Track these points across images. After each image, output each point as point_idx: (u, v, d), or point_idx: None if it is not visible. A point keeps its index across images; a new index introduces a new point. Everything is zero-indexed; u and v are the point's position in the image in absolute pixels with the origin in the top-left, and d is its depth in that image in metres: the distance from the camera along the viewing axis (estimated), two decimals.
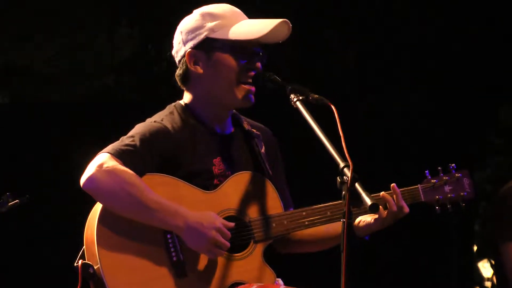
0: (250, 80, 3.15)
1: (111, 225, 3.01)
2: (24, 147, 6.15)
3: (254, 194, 3.18)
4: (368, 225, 3.22)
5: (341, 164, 2.66)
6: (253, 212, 3.17)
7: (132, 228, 3.02)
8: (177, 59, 3.25)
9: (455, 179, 3.37)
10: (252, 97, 3.17)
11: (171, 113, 3.21)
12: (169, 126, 3.13)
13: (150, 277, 3.01)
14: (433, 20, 6.41)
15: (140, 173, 3.03)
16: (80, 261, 3.03)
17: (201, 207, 3.07)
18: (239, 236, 3.12)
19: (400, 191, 3.21)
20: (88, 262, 3.02)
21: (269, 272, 3.16)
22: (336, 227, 3.24)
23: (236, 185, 3.16)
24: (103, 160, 3.00)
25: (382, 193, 3.17)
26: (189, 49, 3.18)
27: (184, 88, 3.27)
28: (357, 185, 2.61)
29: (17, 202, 4.02)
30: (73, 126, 6.23)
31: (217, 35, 3.15)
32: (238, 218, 3.14)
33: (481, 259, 7.68)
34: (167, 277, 3.03)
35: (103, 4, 6.46)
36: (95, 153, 3.07)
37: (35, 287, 5.99)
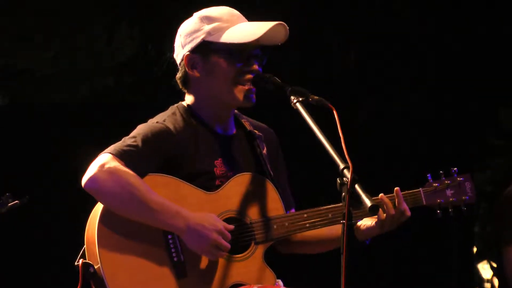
0: (249, 82, 3.15)
1: (112, 225, 3.02)
2: (24, 147, 6.16)
3: (256, 195, 3.18)
4: (369, 228, 3.22)
5: (341, 166, 2.66)
6: (254, 214, 3.17)
7: (133, 228, 3.02)
8: (177, 62, 3.25)
9: (457, 183, 3.37)
10: (253, 96, 3.17)
11: (174, 114, 3.21)
12: (171, 127, 3.13)
13: (151, 277, 3.01)
14: (433, 21, 6.41)
15: (142, 173, 3.03)
16: (80, 261, 3.03)
17: (202, 208, 3.07)
18: (240, 238, 3.12)
19: (402, 194, 3.20)
20: (89, 261, 3.02)
21: (269, 274, 3.16)
22: (338, 229, 3.22)
23: (237, 186, 3.16)
24: (104, 160, 3.00)
25: (381, 195, 3.17)
26: (187, 53, 3.18)
27: (185, 91, 3.28)
28: (357, 186, 2.61)
29: (17, 202, 4.02)
30: (73, 127, 6.24)
31: (213, 38, 3.15)
32: (239, 219, 3.14)
33: (480, 260, 7.69)
34: (167, 277, 3.03)
35: (103, 4, 6.46)
36: (95, 153, 3.07)
37: (35, 287, 6.00)
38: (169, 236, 3.04)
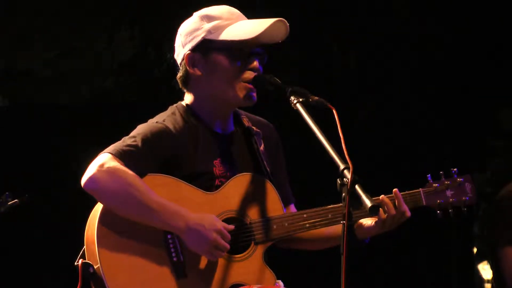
0: (249, 81, 3.14)
1: (111, 225, 3.01)
2: (24, 148, 6.16)
3: (255, 195, 3.18)
4: (369, 227, 3.22)
5: (341, 166, 2.66)
6: (254, 214, 3.17)
7: (132, 228, 3.02)
8: (178, 62, 3.25)
9: (457, 183, 3.36)
10: (254, 95, 3.17)
11: (173, 113, 3.21)
12: (171, 126, 3.13)
13: (150, 277, 3.01)
14: (433, 21, 6.42)
15: (142, 173, 3.03)
16: (80, 261, 3.03)
17: (202, 208, 3.07)
18: (240, 238, 3.12)
19: (402, 194, 3.20)
20: (88, 261, 3.02)
21: (269, 274, 3.16)
22: (337, 227, 3.24)
23: (237, 186, 3.16)
24: (104, 160, 3.00)
25: (381, 196, 3.17)
26: (188, 52, 3.18)
27: (185, 90, 3.28)
28: (357, 187, 2.61)
29: (16, 202, 4.03)
30: (73, 127, 6.24)
31: (213, 36, 3.14)
32: (239, 219, 3.14)
33: (481, 261, 7.68)
34: (167, 277, 3.03)
35: (103, 5, 6.46)
36: (95, 154, 3.07)
37: (35, 287, 6.00)
38: (169, 236, 3.04)
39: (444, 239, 6.78)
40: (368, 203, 2.57)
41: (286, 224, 3.18)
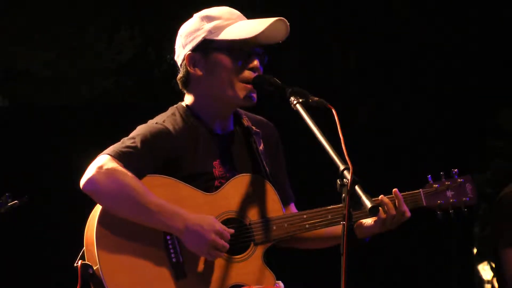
0: (250, 81, 3.14)
1: (110, 226, 3.01)
2: (24, 148, 6.16)
3: (255, 196, 3.18)
4: (368, 227, 3.22)
5: (341, 167, 2.65)
6: (253, 215, 3.17)
7: (131, 230, 3.02)
8: (178, 63, 3.25)
9: (458, 184, 3.36)
10: (254, 96, 3.17)
11: (173, 114, 3.21)
12: (170, 127, 3.13)
13: (150, 278, 3.01)
14: (433, 21, 6.41)
15: (141, 175, 3.03)
16: (79, 262, 3.03)
17: (201, 209, 3.07)
18: (239, 238, 3.12)
19: (402, 195, 3.20)
20: (88, 262, 3.02)
21: (269, 275, 3.16)
22: (337, 226, 3.23)
23: (236, 187, 3.16)
24: (103, 162, 3.00)
25: (381, 196, 3.17)
26: (188, 52, 3.18)
27: (185, 91, 3.27)
28: (357, 187, 2.61)
29: (16, 202, 4.03)
30: (73, 128, 6.23)
31: (213, 36, 3.15)
32: (238, 220, 3.14)
33: (481, 261, 7.67)
34: (166, 278, 3.03)
35: (103, 5, 6.46)
36: (95, 154, 3.07)
37: (35, 287, 6.00)
38: (168, 237, 3.04)
39: (444, 239, 6.77)
40: (368, 203, 2.57)
41: (286, 225, 3.18)
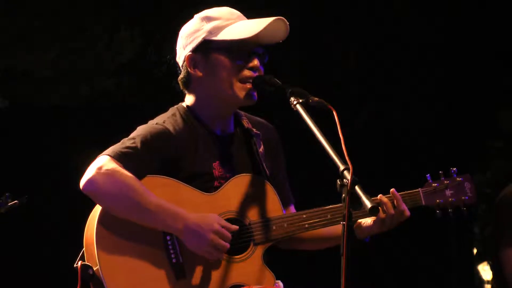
0: (250, 80, 3.14)
1: (110, 226, 3.01)
2: (24, 148, 6.16)
3: (254, 196, 3.18)
4: (368, 227, 3.23)
5: (341, 167, 2.65)
6: (253, 215, 3.17)
7: (131, 230, 3.02)
8: (179, 64, 3.25)
9: (457, 183, 3.36)
10: (254, 94, 3.17)
11: (174, 115, 3.21)
12: (171, 128, 3.13)
13: (149, 278, 3.01)
14: (433, 22, 6.42)
15: (141, 175, 3.03)
16: (79, 262, 3.03)
17: (201, 209, 3.07)
18: (239, 239, 3.12)
19: (401, 194, 3.21)
20: (88, 263, 3.02)
21: (268, 275, 3.15)
22: (337, 227, 3.23)
23: (236, 187, 3.16)
24: (103, 162, 3.00)
25: (379, 196, 3.18)
26: (188, 53, 3.18)
27: (186, 92, 3.27)
28: (357, 188, 2.61)
29: (16, 202, 4.03)
30: (73, 128, 6.24)
31: (213, 36, 3.15)
32: (238, 220, 3.14)
33: (481, 262, 7.68)
34: (166, 278, 3.03)
35: (103, 7, 6.47)
36: (95, 154, 3.07)
37: (35, 287, 6.00)
38: (168, 237, 3.04)
39: (444, 239, 6.78)
40: (368, 204, 2.57)
41: (286, 225, 3.18)
